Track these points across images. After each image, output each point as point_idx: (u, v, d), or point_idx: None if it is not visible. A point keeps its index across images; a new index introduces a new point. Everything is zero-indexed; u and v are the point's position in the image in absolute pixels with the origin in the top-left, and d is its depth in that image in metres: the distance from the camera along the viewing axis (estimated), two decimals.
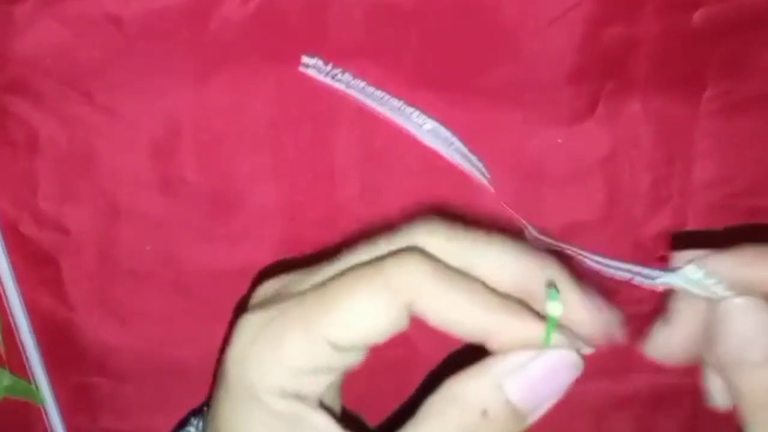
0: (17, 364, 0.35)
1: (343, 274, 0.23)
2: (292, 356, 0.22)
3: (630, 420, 0.37)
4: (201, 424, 0.31)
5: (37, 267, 0.34)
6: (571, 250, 0.34)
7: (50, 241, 0.34)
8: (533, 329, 0.23)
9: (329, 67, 0.32)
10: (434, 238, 0.23)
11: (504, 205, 0.34)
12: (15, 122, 0.32)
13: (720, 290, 0.23)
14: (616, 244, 0.35)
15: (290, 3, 0.31)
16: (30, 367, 0.35)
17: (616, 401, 0.36)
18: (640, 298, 0.36)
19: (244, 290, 0.34)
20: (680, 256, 0.26)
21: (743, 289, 0.23)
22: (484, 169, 0.34)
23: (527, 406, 0.22)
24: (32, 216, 0.33)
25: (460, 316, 0.22)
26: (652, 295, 0.36)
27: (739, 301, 0.23)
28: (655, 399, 0.37)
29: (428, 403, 0.22)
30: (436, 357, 0.33)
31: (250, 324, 0.24)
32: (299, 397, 0.23)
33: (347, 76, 0.32)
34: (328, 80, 0.32)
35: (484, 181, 0.33)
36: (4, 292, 0.34)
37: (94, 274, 0.34)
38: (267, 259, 0.34)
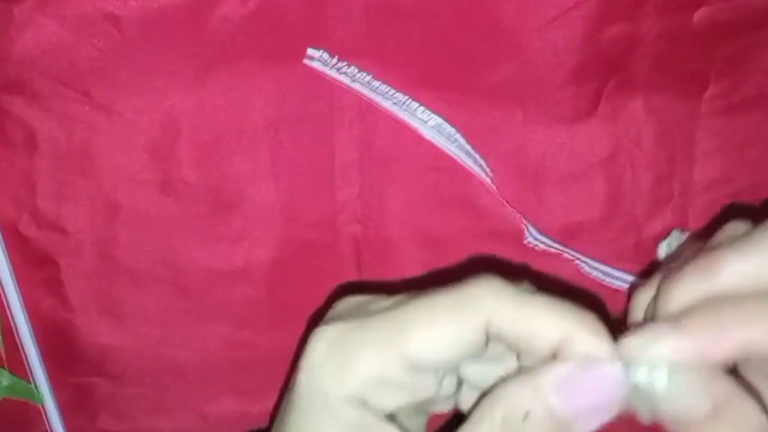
0: (17, 365, 0.35)
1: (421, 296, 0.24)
2: (366, 367, 0.23)
3: (630, 419, 0.37)
4: None
5: (36, 267, 0.34)
6: (570, 254, 0.34)
7: (49, 241, 0.33)
8: (604, 342, 0.23)
9: (335, 60, 0.32)
10: (500, 304, 0.24)
11: (505, 204, 0.34)
12: (13, 122, 0.32)
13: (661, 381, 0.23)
14: (616, 243, 0.35)
15: (289, 1, 0.31)
16: (29, 368, 0.35)
17: None
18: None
19: (243, 290, 0.34)
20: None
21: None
22: (486, 167, 0.33)
23: (568, 414, 0.23)
24: (31, 216, 0.33)
25: (536, 324, 0.23)
26: None
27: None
28: None
29: (479, 405, 0.23)
30: None
31: (326, 335, 0.24)
32: (370, 409, 0.24)
33: (353, 69, 0.32)
34: (333, 73, 0.32)
35: (486, 180, 0.33)
36: (3, 292, 0.34)
37: (93, 274, 0.34)
38: (266, 259, 0.34)
